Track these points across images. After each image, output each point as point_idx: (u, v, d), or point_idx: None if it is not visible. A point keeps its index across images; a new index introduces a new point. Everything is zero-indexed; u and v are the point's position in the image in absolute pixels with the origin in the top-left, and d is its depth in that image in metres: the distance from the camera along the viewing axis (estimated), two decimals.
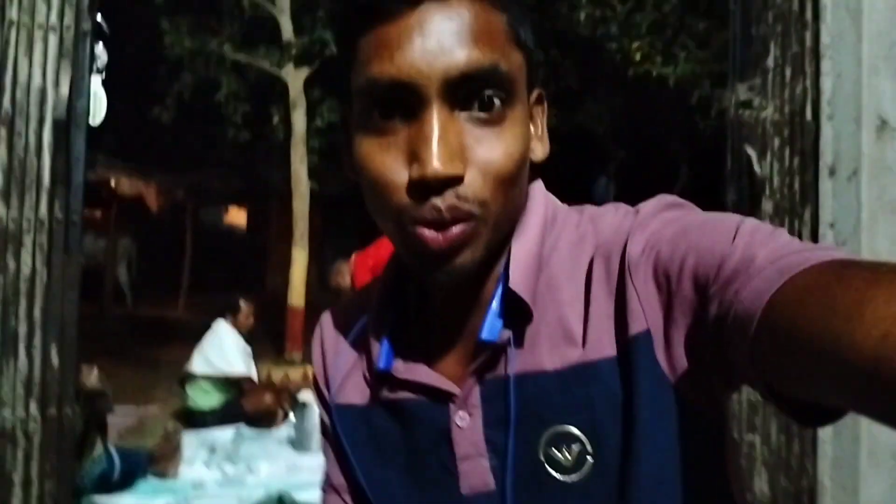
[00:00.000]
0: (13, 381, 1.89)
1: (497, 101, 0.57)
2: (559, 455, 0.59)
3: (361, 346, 0.71)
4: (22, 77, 1.89)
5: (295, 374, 6.95)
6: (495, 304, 0.62)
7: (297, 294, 7.84)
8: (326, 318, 0.78)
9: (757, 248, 0.51)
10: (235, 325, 5.42)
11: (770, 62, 2.36)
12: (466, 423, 0.63)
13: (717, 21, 6.49)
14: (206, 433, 4.94)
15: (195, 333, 5.88)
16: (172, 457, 4.19)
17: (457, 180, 0.56)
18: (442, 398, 0.64)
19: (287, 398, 5.40)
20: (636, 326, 0.57)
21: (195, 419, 5.19)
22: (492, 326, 0.62)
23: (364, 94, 0.58)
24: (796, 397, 0.48)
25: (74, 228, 1.92)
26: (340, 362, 0.72)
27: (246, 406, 5.26)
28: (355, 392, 0.70)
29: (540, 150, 0.65)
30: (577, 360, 0.59)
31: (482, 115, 0.57)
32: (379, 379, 0.67)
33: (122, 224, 11.37)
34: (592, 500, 0.59)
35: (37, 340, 1.90)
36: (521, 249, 0.63)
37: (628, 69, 7.21)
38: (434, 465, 0.65)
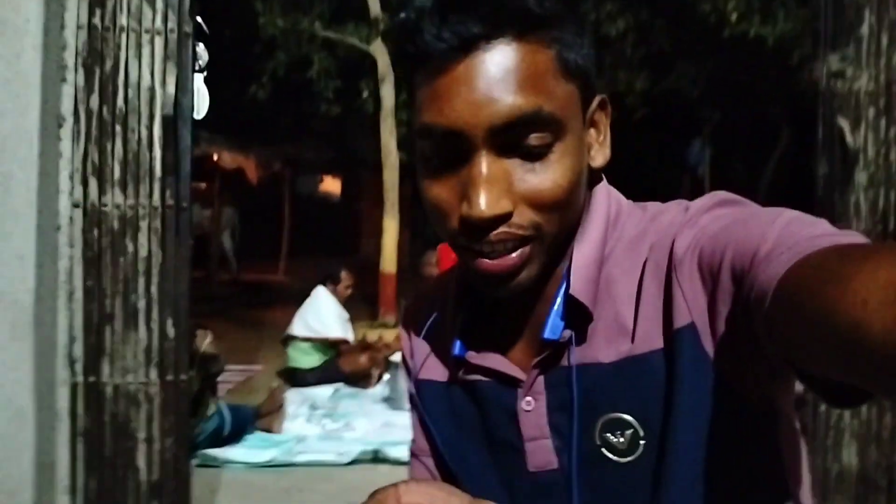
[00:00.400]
0: (135, 351, 2.12)
1: (543, 142, 0.60)
2: (614, 439, 0.64)
3: (439, 330, 0.78)
4: (133, 78, 2.08)
5: (388, 335, 7.20)
6: (557, 305, 0.67)
7: (388, 261, 8.08)
8: (411, 302, 0.87)
9: (786, 236, 0.53)
10: (335, 293, 5.68)
11: (864, 30, 2.26)
12: (532, 408, 0.68)
13: None
14: (307, 391, 5.24)
15: (295, 296, 6.17)
16: (277, 414, 4.48)
17: (506, 217, 0.60)
18: (510, 383, 0.70)
19: (381, 359, 5.64)
20: (681, 320, 0.60)
21: (296, 378, 5.49)
22: (554, 326, 0.66)
23: (421, 136, 0.63)
24: (820, 376, 0.49)
25: (184, 213, 2.12)
26: (421, 343, 0.79)
27: (343, 366, 5.52)
28: (435, 370, 0.77)
29: (600, 158, 0.68)
30: (629, 353, 0.63)
31: (529, 153, 0.60)
32: (456, 363, 0.73)
33: (225, 195, 11.97)
34: (645, 478, 0.63)
35: (154, 314, 2.12)
36: (582, 255, 0.66)
37: (724, 29, 6.87)
38: (504, 443, 0.70)
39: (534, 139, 0.59)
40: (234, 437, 4.08)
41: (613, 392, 0.64)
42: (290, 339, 5.55)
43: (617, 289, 0.65)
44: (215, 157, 9.68)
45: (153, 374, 2.13)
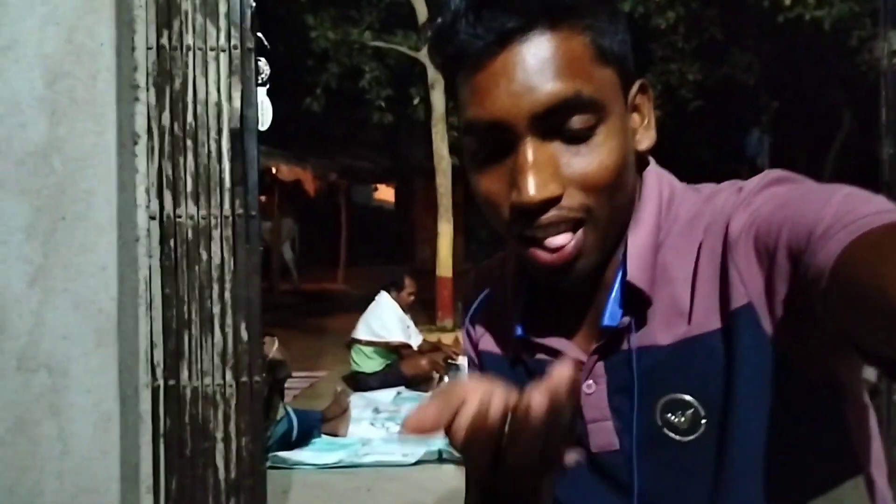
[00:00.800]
0: (211, 354, 2.22)
1: (586, 125, 0.61)
2: (675, 419, 0.65)
3: (496, 307, 0.80)
4: (200, 94, 2.19)
5: (447, 339, 7.25)
6: (615, 291, 0.68)
7: (444, 265, 8.14)
8: (473, 274, 0.87)
9: (843, 214, 0.53)
10: (397, 299, 5.78)
11: None
12: (593, 391, 0.70)
13: None
14: (369, 395, 5.33)
15: (354, 303, 6.29)
16: (342, 417, 4.57)
17: (555, 200, 0.62)
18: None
19: (441, 363, 5.70)
20: (738, 300, 0.61)
21: (359, 382, 5.60)
22: (613, 313, 0.68)
23: (467, 133, 0.65)
24: (876, 352, 0.49)
25: (253, 221, 2.22)
26: (480, 315, 0.82)
27: (405, 370, 5.61)
28: (495, 345, 0.79)
29: (646, 140, 0.69)
30: (686, 335, 0.64)
31: (573, 136, 0.62)
32: (518, 344, 0.74)
33: (284, 206, 12.29)
34: (707, 457, 0.64)
35: (228, 319, 2.22)
36: (637, 241, 0.67)
37: (778, 15, 6.68)
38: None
39: (576, 122, 0.61)
40: (302, 441, 4.18)
41: (672, 373, 0.65)
42: (353, 343, 5.66)
43: (673, 272, 0.66)
44: (274, 170, 9.95)
45: (229, 375, 2.23)
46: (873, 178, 2.49)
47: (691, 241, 0.66)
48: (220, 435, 2.24)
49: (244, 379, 2.24)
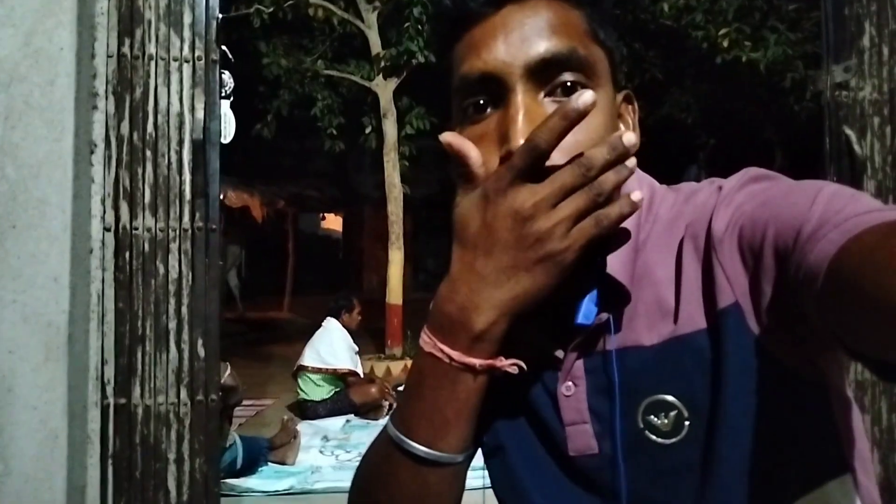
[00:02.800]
0: (166, 372, 2.15)
1: (577, 84, 0.62)
2: (657, 421, 0.64)
3: None
4: (162, 104, 2.15)
5: (396, 367, 7.20)
6: (592, 287, 0.66)
7: (395, 292, 8.11)
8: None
9: (832, 212, 0.53)
10: (347, 322, 5.72)
11: (865, 41, 2.34)
12: (572, 392, 0.68)
13: (808, 0, 6.23)
14: (318, 423, 5.24)
15: (300, 332, 6.21)
16: (291, 445, 4.47)
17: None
18: (550, 365, 0.69)
19: (391, 391, 5.65)
20: (724, 300, 0.60)
21: (307, 410, 5.50)
22: (587, 311, 0.66)
23: (459, 92, 0.65)
24: (869, 354, 0.49)
25: (213, 235, 2.17)
26: None
27: (354, 398, 5.53)
28: None
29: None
30: (671, 335, 0.63)
31: (564, 98, 0.61)
32: None
33: (230, 233, 12.07)
34: (691, 458, 0.63)
35: (185, 335, 2.15)
36: (619, 239, 0.66)
37: (716, 56, 7.02)
38: (544, 424, 0.70)
39: (568, 76, 0.61)
40: (248, 469, 4.08)
41: (656, 374, 0.64)
42: (300, 371, 5.56)
43: (656, 272, 0.65)
44: (221, 196, 9.78)
45: (183, 394, 2.15)
46: None
47: (672, 241, 0.66)
48: (172, 456, 2.15)
49: (199, 398, 2.17)
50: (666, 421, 0.63)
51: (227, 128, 2.20)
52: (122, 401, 2.12)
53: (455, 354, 0.60)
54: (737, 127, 9.39)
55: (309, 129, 9.20)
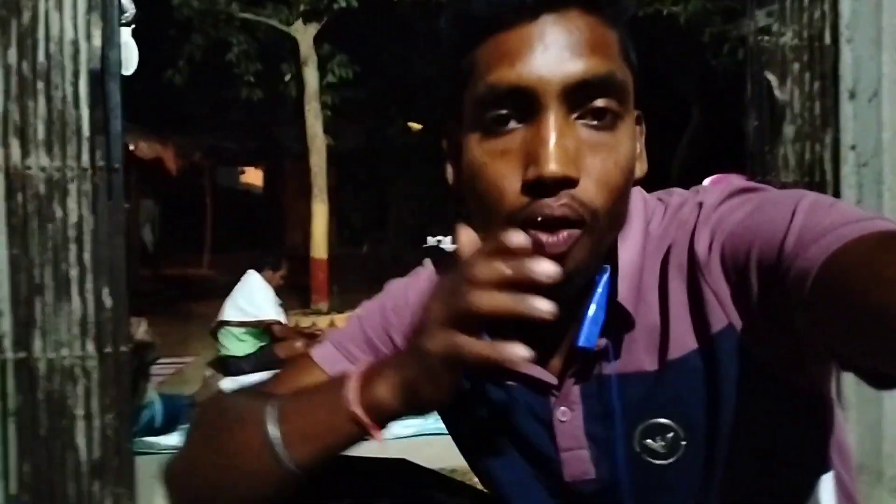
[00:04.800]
0: (69, 323, 2.00)
1: (610, 111, 0.59)
2: (654, 444, 0.64)
3: None
4: (54, 31, 1.95)
5: (322, 322, 7.09)
6: (592, 311, 0.64)
7: (319, 246, 7.94)
8: (409, 281, 0.79)
9: (812, 225, 0.53)
10: (269, 278, 5.56)
11: None
12: (568, 418, 0.67)
13: None
14: (242, 379, 5.10)
15: (220, 289, 6.00)
16: None
17: (571, 183, 0.58)
18: (543, 390, 0.68)
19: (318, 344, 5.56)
20: (717, 323, 0.60)
21: (231, 367, 5.34)
22: (589, 334, 0.63)
23: (481, 102, 0.60)
24: (861, 366, 0.50)
25: (117, 175, 2.00)
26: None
27: (279, 353, 5.41)
28: None
29: (639, 170, 0.67)
30: (668, 357, 0.63)
31: (597, 122, 0.59)
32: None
33: (143, 187, 11.49)
34: (689, 477, 0.63)
35: (89, 283, 2.00)
36: (627, 260, 0.65)
37: (637, 10, 7.07)
38: (538, 450, 0.69)
39: (603, 104, 0.59)
40: (168, 428, 3.94)
41: (651, 399, 0.64)
42: (221, 327, 5.38)
43: (649, 295, 0.65)
44: (131, 147, 9.24)
45: (90, 346, 2.01)
46: (720, 170, 2.65)
47: (657, 261, 0.65)
48: (80, 412, 2.02)
49: (108, 349, 2.03)
50: (663, 443, 0.63)
51: (129, 58, 2.02)
52: (22, 355, 1.97)
53: (352, 400, 0.58)
54: (656, 82, 9.54)
55: (225, 76, 8.77)
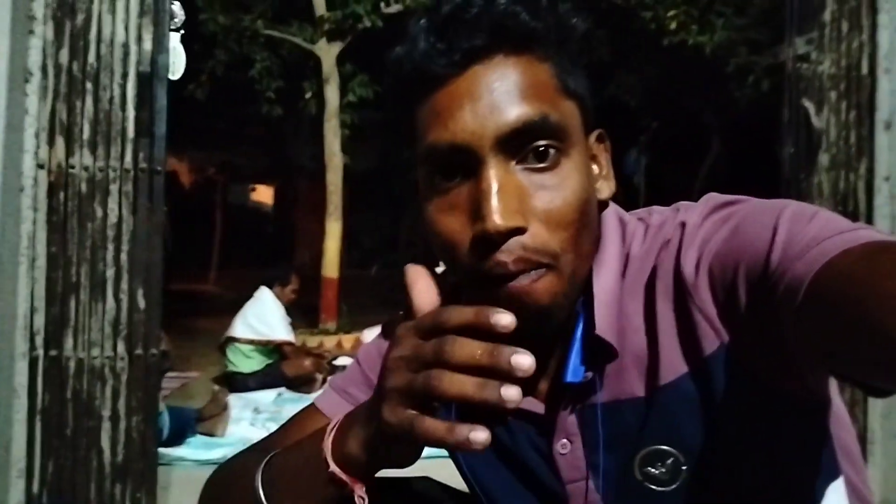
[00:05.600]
0: (102, 323, 1.99)
1: (551, 151, 0.59)
2: (655, 471, 0.63)
3: None
4: (106, 33, 1.97)
5: (330, 342, 7.06)
6: (577, 343, 0.64)
7: (331, 265, 7.92)
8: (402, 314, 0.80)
9: (796, 239, 0.53)
10: (279, 295, 5.54)
11: (827, 16, 2.37)
12: (568, 450, 0.66)
13: None
14: (248, 396, 5.07)
15: (226, 305, 5.99)
16: (220, 417, 4.32)
17: (520, 231, 0.57)
18: (539, 423, 0.68)
19: (326, 364, 5.54)
20: (709, 346, 0.59)
21: (236, 383, 5.31)
22: (575, 369, 0.63)
23: (426, 161, 0.61)
24: (854, 377, 0.50)
25: (158, 177, 2.01)
26: None
27: (286, 371, 5.38)
28: None
29: (606, 189, 0.66)
30: (659, 382, 0.62)
31: (538, 164, 0.58)
32: None
33: None
34: (692, 501, 0.63)
35: (124, 284, 2.00)
36: (603, 289, 0.64)
37: (662, 38, 7.12)
38: (543, 483, 0.68)
39: (541, 147, 0.58)
40: (174, 440, 3.92)
41: (647, 425, 0.63)
42: (229, 342, 5.36)
43: (635, 320, 0.64)
44: None
45: (120, 347, 2.00)
46: (772, 179, 2.64)
47: (641, 284, 0.64)
48: (107, 413, 2.01)
49: (138, 351, 2.02)
50: (664, 470, 0.63)
51: (177, 63, 2.04)
52: (53, 353, 1.96)
53: (328, 456, 0.58)
54: (678, 111, 9.60)
55: (245, 92, 8.85)
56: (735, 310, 0.57)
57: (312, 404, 0.80)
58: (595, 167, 0.65)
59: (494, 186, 0.57)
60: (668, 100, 9.20)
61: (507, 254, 0.57)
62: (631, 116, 9.77)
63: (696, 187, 9.79)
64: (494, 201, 0.56)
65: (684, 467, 0.62)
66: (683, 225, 0.63)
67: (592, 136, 0.65)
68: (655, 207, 0.69)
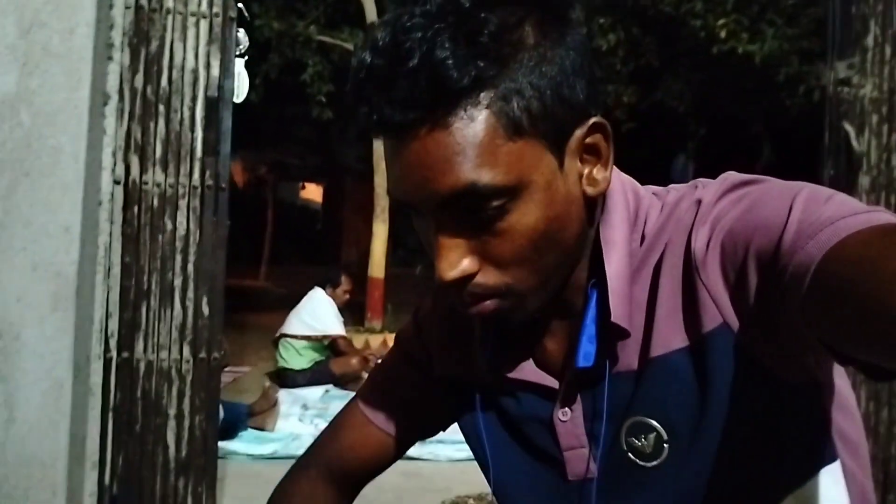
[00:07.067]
0: (169, 328, 2.16)
1: (492, 206, 0.57)
2: (638, 443, 0.64)
3: (461, 335, 0.76)
4: (177, 60, 2.14)
5: (375, 341, 7.23)
6: (588, 329, 0.64)
7: (377, 266, 8.11)
8: (431, 299, 0.84)
9: (810, 219, 0.53)
10: (332, 295, 5.71)
11: (870, 41, 2.40)
12: (568, 418, 0.68)
13: None
14: (297, 392, 5.26)
15: (277, 301, 6.17)
16: (271, 412, 4.49)
17: (470, 277, 0.59)
18: (545, 393, 0.69)
19: (373, 362, 5.69)
20: (710, 322, 0.59)
21: (286, 379, 5.50)
22: (587, 353, 0.64)
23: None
24: (859, 359, 0.49)
25: (223, 193, 2.17)
26: (439, 336, 0.79)
27: (334, 369, 5.55)
28: (459, 371, 0.76)
29: (602, 183, 0.63)
30: (652, 354, 0.62)
31: (482, 218, 0.58)
32: (486, 373, 0.72)
33: None
34: (673, 482, 0.63)
35: (190, 293, 2.16)
36: (615, 277, 0.63)
37: (712, 46, 7.06)
38: (542, 450, 0.71)
39: (481, 208, 0.57)
40: (227, 434, 4.07)
41: (637, 395, 0.63)
42: (282, 339, 5.56)
43: (640, 295, 0.64)
44: None
45: (186, 351, 2.17)
46: None
47: (652, 260, 0.64)
48: (172, 412, 2.17)
49: (202, 355, 2.18)
50: (646, 443, 0.63)
51: (241, 87, 2.19)
52: (125, 355, 2.13)
53: None
54: (727, 119, 9.48)
55: (296, 95, 9.09)
56: (744, 288, 0.57)
57: (355, 403, 0.86)
58: (586, 168, 0.62)
59: (439, 240, 0.58)
60: (717, 107, 9.08)
61: (460, 291, 0.60)
62: (679, 123, 9.69)
63: None
64: (439, 258, 0.58)
65: (666, 445, 0.62)
66: (699, 203, 0.62)
67: (583, 129, 0.60)
68: (673, 186, 0.69)
